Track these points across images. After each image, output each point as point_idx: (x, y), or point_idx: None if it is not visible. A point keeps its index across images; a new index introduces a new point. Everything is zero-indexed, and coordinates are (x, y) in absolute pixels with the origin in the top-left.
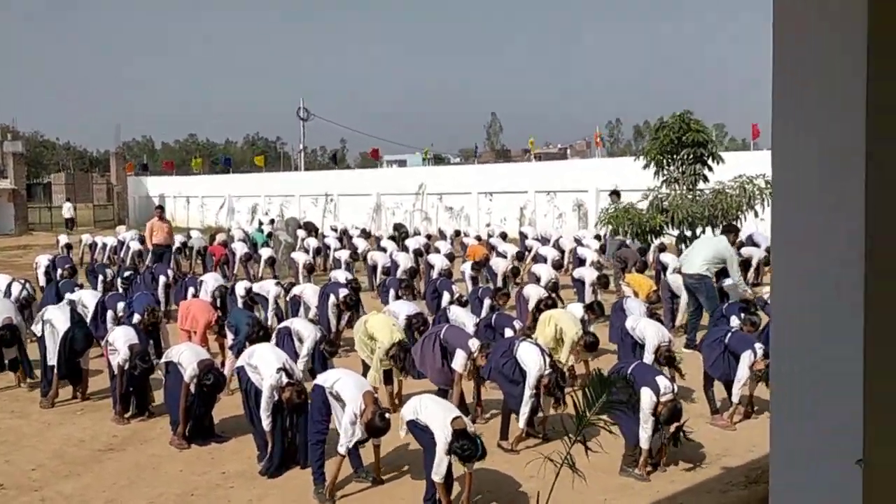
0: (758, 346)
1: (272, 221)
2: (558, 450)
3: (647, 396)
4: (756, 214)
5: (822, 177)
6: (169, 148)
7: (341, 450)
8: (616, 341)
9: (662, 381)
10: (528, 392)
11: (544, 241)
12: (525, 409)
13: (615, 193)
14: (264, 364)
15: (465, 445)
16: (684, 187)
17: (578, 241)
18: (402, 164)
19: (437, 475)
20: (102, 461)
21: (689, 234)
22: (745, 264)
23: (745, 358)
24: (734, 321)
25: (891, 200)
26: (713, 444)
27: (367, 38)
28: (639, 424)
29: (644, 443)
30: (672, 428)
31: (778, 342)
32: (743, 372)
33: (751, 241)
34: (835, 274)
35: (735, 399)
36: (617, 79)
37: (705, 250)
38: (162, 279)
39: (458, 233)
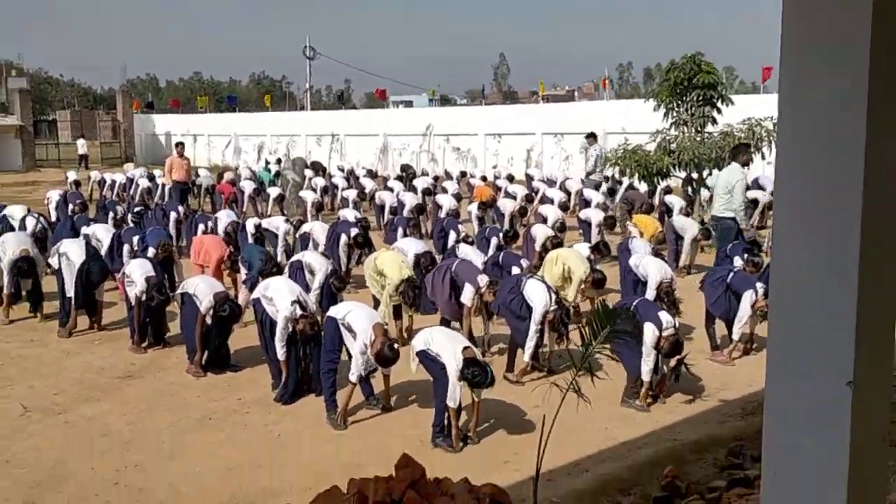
0: (759, 285)
1: (279, 161)
2: (562, 382)
3: (649, 331)
4: (763, 157)
5: (826, 121)
6: (174, 86)
7: (352, 378)
8: (620, 279)
9: (665, 317)
10: (533, 327)
11: (550, 182)
12: (530, 343)
13: (592, 136)
14: (279, 296)
15: (476, 372)
16: (693, 129)
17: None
18: (409, 104)
19: (452, 401)
20: (122, 388)
21: (695, 175)
22: (752, 205)
23: (747, 297)
24: (737, 261)
25: (889, 147)
26: (712, 379)
27: None
28: (640, 358)
29: (646, 375)
30: (673, 361)
31: (777, 274)
32: (744, 310)
33: (756, 185)
34: (834, 211)
35: (735, 336)
36: (628, 21)
37: (719, 187)
38: (173, 215)
39: (464, 174)
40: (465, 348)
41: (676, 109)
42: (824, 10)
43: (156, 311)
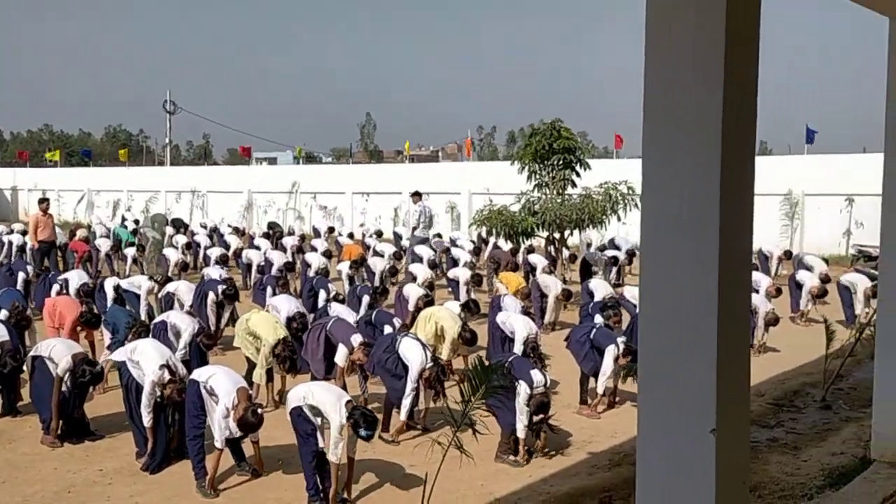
0: (620, 340)
1: (136, 221)
2: (439, 439)
3: (522, 389)
4: (619, 219)
5: (682, 192)
6: (21, 138)
7: (217, 444)
8: (488, 336)
9: (536, 375)
10: (409, 385)
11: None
12: (406, 402)
13: (417, 194)
14: (146, 359)
15: (364, 413)
16: (554, 191)
17: (453, 242)
18: (273, 161)
19: (334, 456)
20: None
21: (557, 235)
22: (611, 262)
23: (610, 352)
24: (598, 318)
25: (740, 223)
26: (580, 432)
27: (235, 34)
28: (514, 414)
29: (520, 432)
30: (539, 417)
31: (646, 335)
32: (608, 365)
33: (613, 245)
34: (694, 278)
35: (600, 390)
36: (490, 86)
37: None
38: (21, 275)
39: (331, 230)
40: (348, 401)
41: (539, 172)
42: (681, 86)
43: (9, 378)
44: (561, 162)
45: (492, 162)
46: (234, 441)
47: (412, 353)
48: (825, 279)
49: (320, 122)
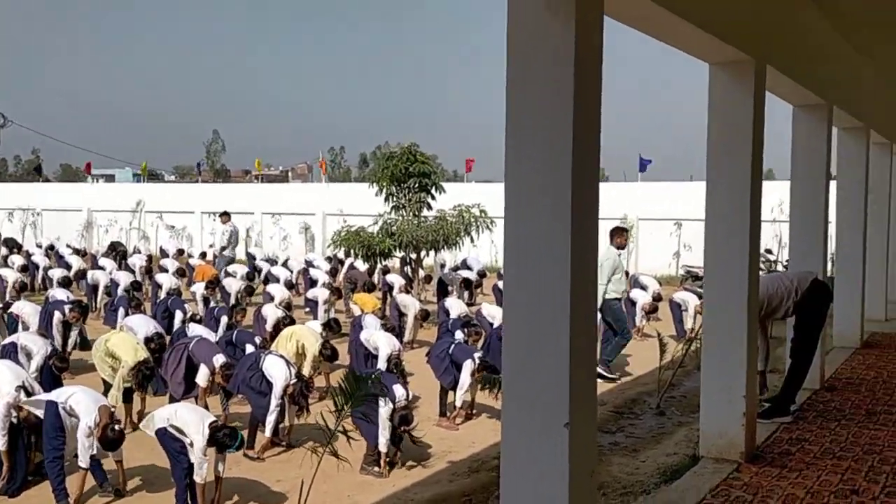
0: (476, 355)
1: None
2: (301, 457)
3: (384, 404)
4: (472, 240)
5: (539, 214)
6: None
7: (82, 464)
8: (351, 353)
9: (399, 390)
10: (274, 401)
11: (272, 262)
12: (271, 418)
13: (225, 214)
14: (1, 380)
15: (226, 432)
16: (411, 213)
17: (309, 263)
18: (110, 178)
19: (199, 476)
20: None
21: (413, 256)
22: (464, 283)
23: (467, 366)
24: (458, 335)
25: (587, 243)
26: (440, 443)
27: (68, 42)
28: (377, 428)
29: (383, 446)
30: (400, 431)
31: (508, 339)
32: (465, 378)
33: (465, 265)
34: (549, 290)
35: (458, 403)
36: (340, 107)
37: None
38: None
39: (181, 251)
40: (212, 422)
41: (396, 195)
42: (536, 123)
43: None
44: (417, 185)
45: (346, 183)
46: (95, 461)
47: (276, 370)
48: (657, 297)
49: (161, 139)
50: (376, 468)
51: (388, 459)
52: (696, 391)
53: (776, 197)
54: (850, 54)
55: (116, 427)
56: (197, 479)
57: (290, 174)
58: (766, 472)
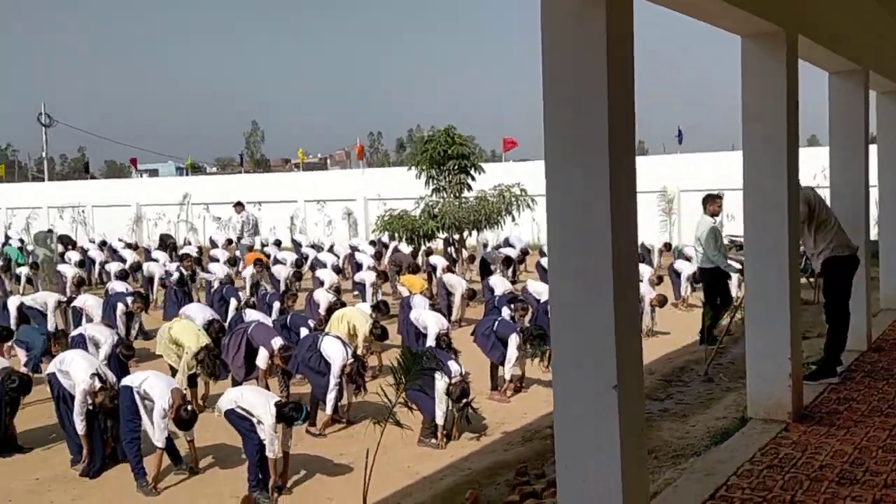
0: (519, 329)
1: (21, 240)
2: (361, 432)
3: (440, 379)
4: (513, 219)
5: (579, 190)
6: None
7: (158, 444)
8: (402, 333)
9: (454, 366)
10: (333, 380)
11: (318, 248)
12: (331, 396)
13: (239, 204)
14: (76, 369)
15: (292, 406)
16: (452, 195)
17: (354, 248)
18: (154, 173)
19: (271, 452)
20: None
21: (456, 237)
22: (506, 262)
23: (513, 340)
24: (505, 311)
25: (626, 215)
26: (493, 415)
27: (107, 42)
28: (434, 403)
29: (439, 419)
30: (461, 404)
31: (556, 308)
32: (512, 352)
33: (507, 243)
34: (593, 262)
35: (507, 376)
36: (374, 92)
37: (700, 242)
38: None
39: (230, 241)
40: (276, 401)
41: (436, 178)
42: (574, 104)
43: None
44: (456, 167)
45: (385, 168)
46: (169, 441)
47: (334, 351)
48: None
49: (202, 132)
50: (433, 440)
51: (444, 432)
52: (743, 357)
53: (819, 163)
54: (884, 18)
55: (189, 408)
56: (269, 455)
57: (328, 161)
58: (814, 430)
